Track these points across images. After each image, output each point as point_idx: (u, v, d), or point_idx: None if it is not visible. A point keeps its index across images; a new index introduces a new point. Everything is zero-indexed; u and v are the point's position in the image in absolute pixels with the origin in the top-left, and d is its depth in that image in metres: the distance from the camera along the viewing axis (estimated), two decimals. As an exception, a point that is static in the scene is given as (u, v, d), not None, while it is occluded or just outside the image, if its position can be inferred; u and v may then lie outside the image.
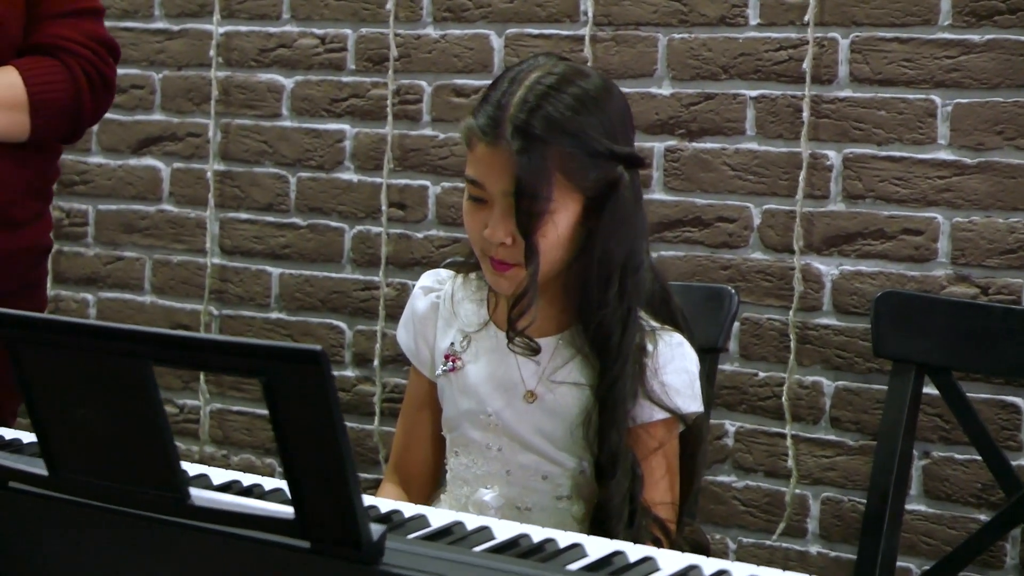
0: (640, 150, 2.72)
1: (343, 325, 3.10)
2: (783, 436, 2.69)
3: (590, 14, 2.82)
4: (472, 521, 1.61)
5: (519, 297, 1.86)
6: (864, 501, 2.31)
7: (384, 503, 1.68)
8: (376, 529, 1.34)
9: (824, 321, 2.66)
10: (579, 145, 1.83)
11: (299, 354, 1.27)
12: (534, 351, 1.91)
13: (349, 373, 3.10)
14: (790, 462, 2.67)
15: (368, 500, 1.68)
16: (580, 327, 1.91)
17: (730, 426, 2.72)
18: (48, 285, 3.40)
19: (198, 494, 1.42)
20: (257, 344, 1.31)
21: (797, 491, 2.68)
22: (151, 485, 1.42)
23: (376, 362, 3.04)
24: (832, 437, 2.66)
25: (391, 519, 1.63)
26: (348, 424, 3.06)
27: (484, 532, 1.58)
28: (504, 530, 1.59)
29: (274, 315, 3.17)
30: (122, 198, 3.33)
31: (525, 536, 1.56)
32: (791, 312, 2.67)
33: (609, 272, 1.87)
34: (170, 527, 1.42)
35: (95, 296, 3.37)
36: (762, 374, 2.71)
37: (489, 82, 1.94)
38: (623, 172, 1.87)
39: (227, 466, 3.18)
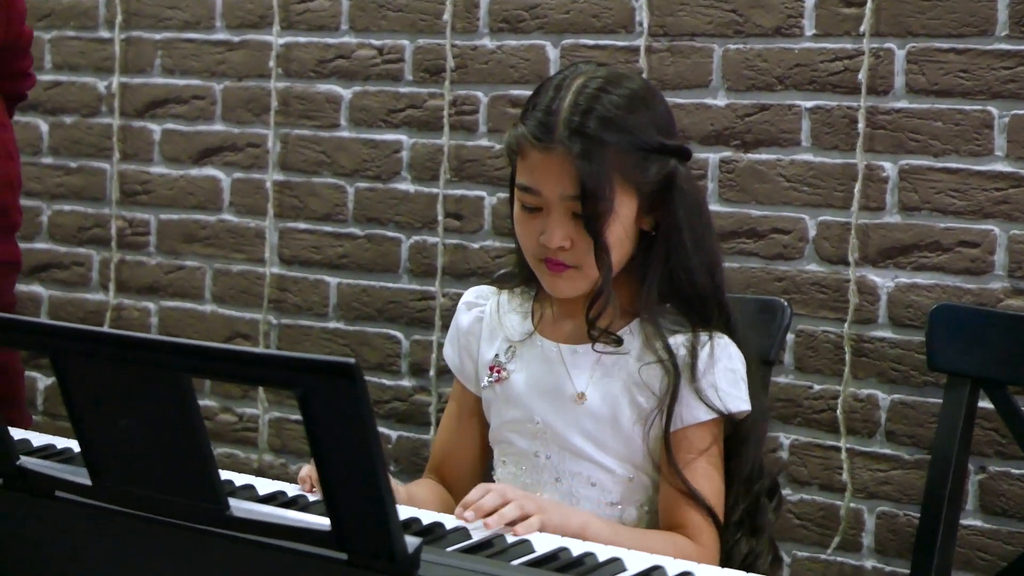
0: (695, 161, 2.72)
1: (400, 335, 3.11)
2: (838, 449, 2.66)
3: (645, 24, 2.81)
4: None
5: (596, 296, 1.88)
6: (919, 515, 2.29)
7: (427, 515, 1.69)
8: (411, 542, 1.34)
9: (879, 334, 2.63)
10: (633, 142, 1.86)
11: (333, 367, 1.28)
12: (618, 343, 1.93)
13: (405, 383, 3.11)
14: (845, 476, 2.65)
15: (411, 512, 1.69)
16: (643, 322, 1.92)
17: (784, 439, 2.71)
18: (111, 293, 3.44)
19: (237, 505, 1.43)
20: (292, 357, 1.32)
21: (852, 505, 2.66)
22: (190, 495, 1.43)
23: (432, 372, 3.05)
24: (887, 451, 2.63)
25: (432, 531, 1.63)
26: (404, 434, 3.07)
27: (524, 545, 1.59)
28: (544, 543, 1.59)
29: (332, 325, 3.19)
30: (183, 208, 3.36)
31: (564, 550, 1.57)
32: (846, 325, 2.65)
33: (689, 268, 1.89)
34: (209, 537, 1.44)
35: (157, 305, 3.40)
36: (817, 387, 2.69)
37: (539, 93, 1.95)
38: (677, 165, 1.89)
39: (285, 475, 3.20)
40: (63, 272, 3.53)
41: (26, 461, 1.58)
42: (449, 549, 1.56)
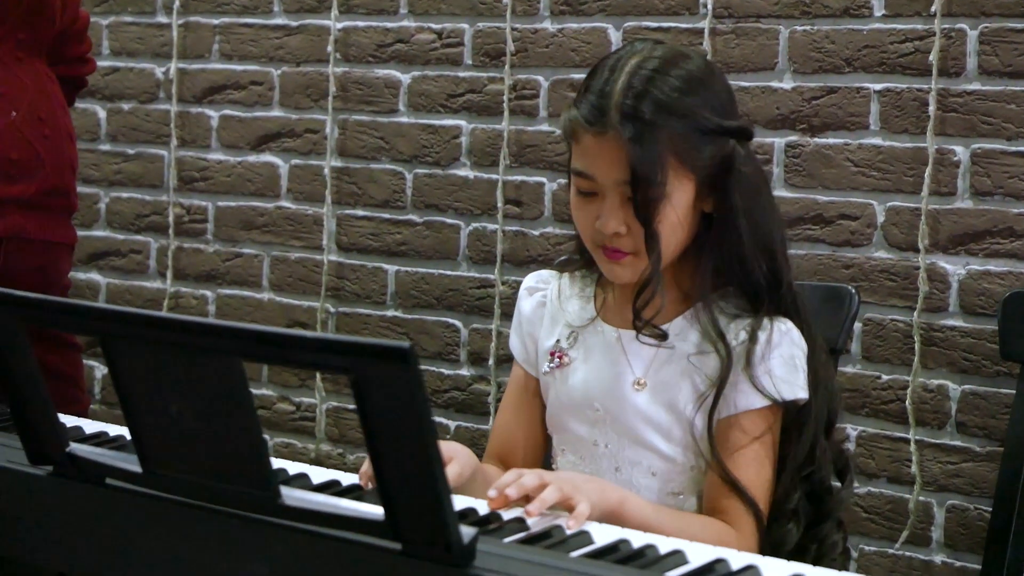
0: (760, 145, 2.67)
1: (458, 323, 3.07)
2: (907, 441, 2.61)
3: (710, 6, 2.76)
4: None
5: (643, 286, 1.82)
6: (991, 509, 2.24)
7: (484, 505, 1.65)
8: (467, 532, 1.31)
9: (950, 322, 2.58)
10: (689, 125, 1.80)
11: (388, 351, 1.25)
12: (662, 338, 1.88)
13: (464, 372, 3.07)
14: (914, 468, 2.60)
15: (467, 502, 1.65)
16: (700, 308, 1.87)
17: (852, 430, 2.65)
18: (169, 281, 3.43)
19: (289, 493, 1.41)
20: (346, 340, 1.30)
21: (921, 498, 2.60)
22: (242, 483, 1.41)
23: (491, 361, 3.01)
24: (958, 443, 2.58)
25: (489, 522, 1.59)
26: (463, 423, 3.04)
27: (583, 536, 1.55)
28: (603, 534, 1.55)
29: (390, 313, 3.15)
30: (241, 194, 3.34)
31: (625, 541, 1.53)
32: (916, 313, 2.59)
33: (744, 254, 1.83)
34: (261, 525, 1.42)
35: (214, 293, 3.38)
36: (885, 377, 2.63)
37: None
38: (736, 146, 1.83)
39: (343, 464, 3.17)
40: (121, 260, 3.51)
41: (76, 448, 1.56)
42: (506, 540, 1.51)
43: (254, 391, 3.32)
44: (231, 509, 1.43)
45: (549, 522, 1.58)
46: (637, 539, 1.53)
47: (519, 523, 1.59)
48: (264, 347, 1.36)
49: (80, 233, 3.48)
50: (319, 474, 1.78)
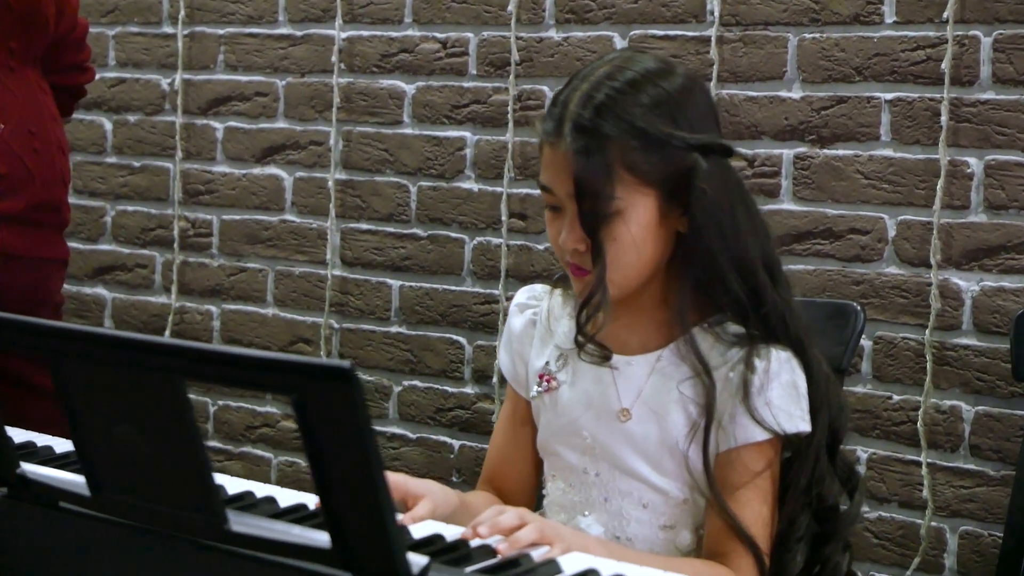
0: (768, 157, 2.60)
1: (463, 340, 3.01)
2: (918, 464, 2.55)
3: (717, 14, 2.69)
4: (542, 554, 1.51)
5: (586, 300, 1.74)
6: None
7: (453, 531, 1.58)
8: (417, 561, 1.25)
9: (963, 341, 2.51)
10: (645, 138, 1.72)
11: (327, 371, 1.20)
12: (604, 358, 1.80)
13: (468, 390, 3.00)
14: (926, 492, 2.53)
15: (434, 528, 1.60)
16: (688, 338, 1.78)
17: (862, 452, 2.59)
18: (174, 296, 3.37)
19: (238, 519, 1.35)
20: (286, 360, 1.25)
21: (933, 524, 2.54)
22: (189, 508, 1.36)
23: (495, 379, 2.95)
24: (971, 466, 2.51)
25: (456, 549, 1.53)
26: (467, 443, 2.98)
27: (551, 566, 1.49)
28: (572, 564, 1.48)
29: (394, 329, 3.09)
30: (246, 208, 3.29)
31: (594, 571, 1.45)
32: (928, 331, 2.53)
33: (719, 273, 1.74)
34: (209, 551, 1.37)
35: (219, 308, 3.33)
36: (896, 397, 2.56)
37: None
38: (698, 160, 1.74)
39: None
40: (126, 274, 3.47)
41: (28, 470, 1.51)
42: (469, 569, 1.44)
43: (258, 408, 3.28)
44: (178, 534, 1.37)
45: (516, 551, 1.50)
46: (606, 568, 1.46)
47: (486, 551, 1.52)
48: (204, 365, 1.31)
49: (86, 247, 3.45)
50: (287, 497, 1.72)
